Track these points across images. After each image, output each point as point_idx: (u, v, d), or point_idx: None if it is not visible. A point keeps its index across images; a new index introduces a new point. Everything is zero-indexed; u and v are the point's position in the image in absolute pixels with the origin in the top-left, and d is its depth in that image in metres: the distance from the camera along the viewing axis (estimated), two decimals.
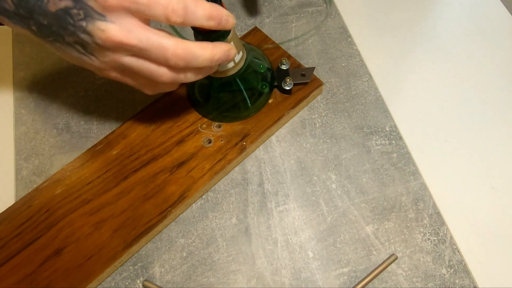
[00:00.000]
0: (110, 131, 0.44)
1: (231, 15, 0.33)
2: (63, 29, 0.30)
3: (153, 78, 0.33)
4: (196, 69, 0.34)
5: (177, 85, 0.37)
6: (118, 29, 0.30)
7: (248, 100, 0.43)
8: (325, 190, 0.42)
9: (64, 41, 0.31)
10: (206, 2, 0.31)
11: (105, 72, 0.34)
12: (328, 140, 0.45)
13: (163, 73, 0.33)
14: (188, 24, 0.31)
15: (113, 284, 0.38)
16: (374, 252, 0.39)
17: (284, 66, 0.45)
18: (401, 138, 0.45)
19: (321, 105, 0.47)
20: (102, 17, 0.29)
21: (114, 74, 0.34)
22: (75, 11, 0.29)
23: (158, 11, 0.29)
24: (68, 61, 0.34)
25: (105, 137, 0.43)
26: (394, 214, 0.41)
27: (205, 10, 0.31)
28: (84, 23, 0.29)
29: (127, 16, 0.30)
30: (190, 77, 0.34)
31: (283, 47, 0.49)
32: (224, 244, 0.40)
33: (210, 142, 0.42)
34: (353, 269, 0.38)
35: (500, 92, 0.48)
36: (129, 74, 0.35)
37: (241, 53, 0.39)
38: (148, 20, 0.31)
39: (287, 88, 0.45)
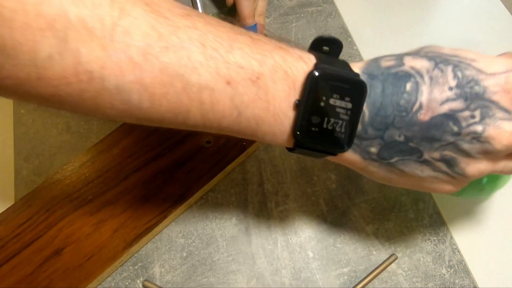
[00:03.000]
0: (110, 131, 0.44)
1: None
2: (429, 142, 0.24)
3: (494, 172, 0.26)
4: None
5: None
6: None
7: None
8: (325, 190, 0.42)
9: (418, 159, 0.24)
10: None
11: (442, 188, 0.27)
12: None
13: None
14: None
15: (113, 284, 0.38)
16: (374, 252, 0.39)
17: None
18: None
19: None
20: (509, 113, 0.23)
21: (448, 187, 0.27)
22: (466, 113, 0.23)
23: None
24: None
25: (105, 137, 0.43)
26: (394, 214, 0.41)
27: None
28: (480, 127, 0.23)
29: None
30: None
31: None
32: (224, 244, 0.40)
33: (210, 142, 0.42)
34: (353, 269, 0.38)
35: None
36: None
37: None
38: None
39: None
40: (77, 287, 0.36)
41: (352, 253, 0.39)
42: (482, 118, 0.23)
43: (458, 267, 0.38)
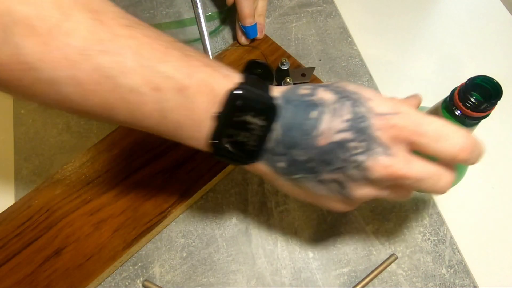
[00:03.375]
0: (110, 131, 0.44)
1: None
2: (325, 165, 0.27)
3: (380, 197, 0.29)
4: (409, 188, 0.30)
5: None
6: (401, 162, 0.26)
7: None
8: None
9: (316, 179, 0.28)
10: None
11: (336, 206, 0.30)
12: None
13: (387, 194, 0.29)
14: (470, 163, 0.27)
15: (113, 284, 0.38)
16: (374, 252, 0.39)
17: (284, 66, 0.45)
18: None
19: None
20: (387, 150, 0.26)
21: (340, 206, 0.30)
22: (354, 144, 0.26)
23: (445, 147, 0.26)
24: None
25: (105, 137, 0.43)
26: (394, 214, 0.41)
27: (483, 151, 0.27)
28: (362, 157, 0.26)
29: (403, 147, 0.26)
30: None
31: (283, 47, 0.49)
32: (224, 244, 0.40)
33: None
34: (353, 269, 0.38)
35: None
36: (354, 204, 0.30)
37: None
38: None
39: None
40: (77, 287, 0.36)
41: (352, 253, 0.39)
42: (366, 150, 0.26)
43: (458, 267, 0.38)
